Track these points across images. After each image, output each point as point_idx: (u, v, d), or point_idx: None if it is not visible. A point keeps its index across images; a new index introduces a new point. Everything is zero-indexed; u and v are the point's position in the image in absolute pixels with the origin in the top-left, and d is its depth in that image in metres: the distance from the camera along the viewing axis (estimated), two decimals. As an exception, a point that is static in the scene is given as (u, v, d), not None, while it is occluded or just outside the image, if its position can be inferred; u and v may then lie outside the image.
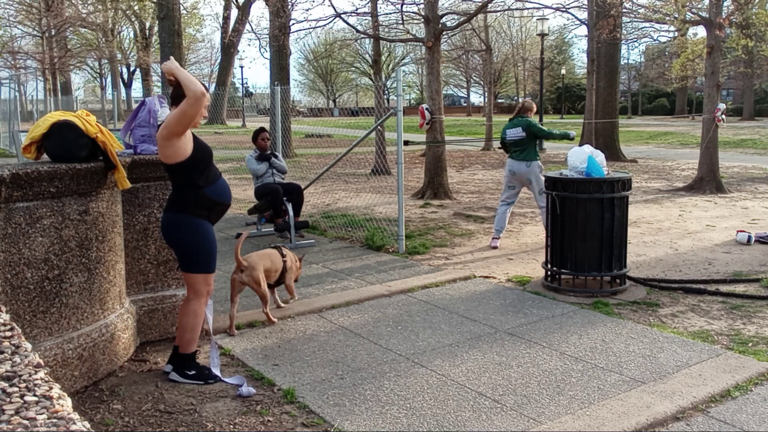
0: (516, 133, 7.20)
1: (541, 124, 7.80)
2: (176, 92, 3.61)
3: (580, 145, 7.37)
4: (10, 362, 1.14)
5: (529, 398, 3.50)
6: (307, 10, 30.86)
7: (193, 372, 3.77)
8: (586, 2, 16.42)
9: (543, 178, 7.14)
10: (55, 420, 0.95)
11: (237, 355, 4.16)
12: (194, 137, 3.69)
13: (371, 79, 33.42)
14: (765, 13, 15.17)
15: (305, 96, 68.75)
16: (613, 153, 17.07)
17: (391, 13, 14.67)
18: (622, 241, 5.43)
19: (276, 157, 7.97)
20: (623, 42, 25.45)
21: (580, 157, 5.44)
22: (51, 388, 1.04)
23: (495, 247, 7.26)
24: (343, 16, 11.75)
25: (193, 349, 3.82)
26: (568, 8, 14.35)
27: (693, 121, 39.17)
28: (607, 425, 3.20)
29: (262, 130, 8.00)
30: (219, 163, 15.96)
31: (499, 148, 7.86)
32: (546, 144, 22.68)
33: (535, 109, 7.55)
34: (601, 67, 18.11)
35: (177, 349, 3.83)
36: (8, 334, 1.28)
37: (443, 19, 10.98)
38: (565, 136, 7.48)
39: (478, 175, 14.90)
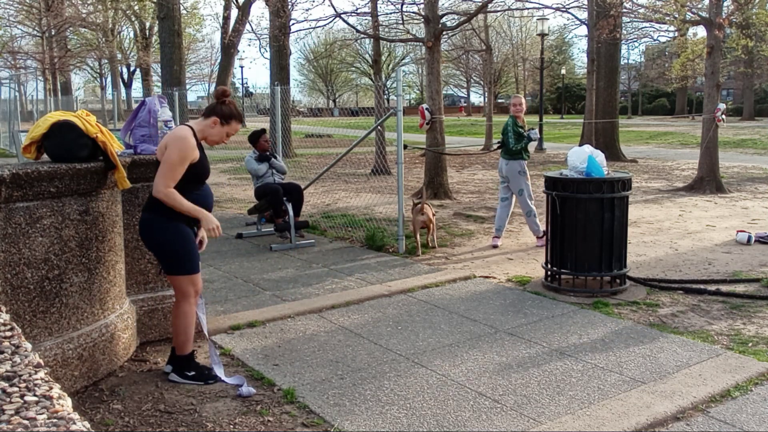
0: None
1: (541, 124, 7.65)
2: (213, 107, 3.69)
3: (580, 145, 7.35)
4: (10, 362, 1.14)
5: (529, 398, 3.50)
6: (307, 10, 30.96)
7: (193, 373, 3.77)
8: (586, 2, 16.44)
9: (524, 181, 7.14)
10: (55, 420, 0.95)
11: (237, 355, 4.16)
12: (202, 158, 3.67)
13: (371, 79, 33.42)
14: (765, 13, 15.18)
15: (305, 96, 68.76)
16: (613, 153, 17.08)
17: (391, 13, 14.68)
18: (622, 241, 5.43)
19: (275, 157, 7.97)
20: (623, 42, 25.44)
21: (580, 157, 5.44)
22: (51, 388, 1.04)
23: (495, 246, 7.28)
24: (343, 16, 11.75)
25: (188, 351, 3.81)
26: (568, 8, 14.37)
27: (693, 121, 39.17)
28: (607, 425, 3.20)
29: (263, 132, 8.01)
30: (219, 163, 15.90)
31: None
32: (546, 144, 22.67)
33: (517, 104, 7.24)
34: (601, 67, 18.11)
35: (175, 350, 3.83)
36: (8, 334, 1.28)
37: (443, 19, 10.98)
38: (527, 141, 7.09)
39: (478, 175, 14.90)
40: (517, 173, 7.13)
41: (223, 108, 3.67)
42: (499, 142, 7.38)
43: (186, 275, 3.67)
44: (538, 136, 7.39)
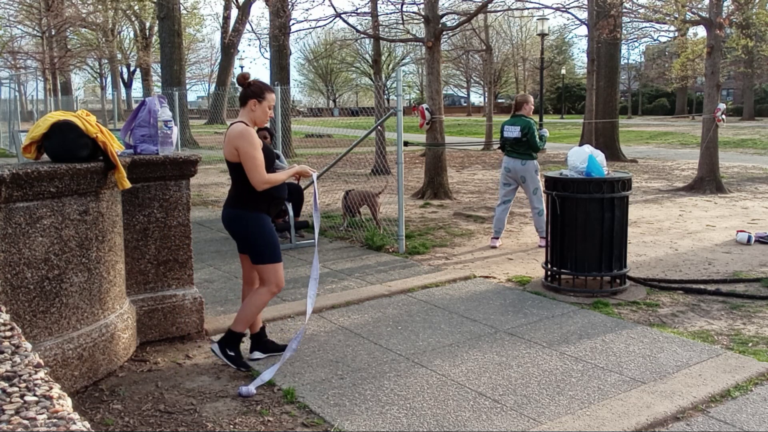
0: (514, 132, 7.15)
1: (541, 125, 7.68)
2: (244, 93, 3.89)
3: (580, 145, 7.34)
4: (10, 362, 1.14)
5: (529, 398, 3.50)
6: (307, 10, 30.93)
7: (233, 354, 3.95)
8: (586, 2, 16.43)
9: (538, 179, 7.13)
10: (55, 420, 0.95)
11: (237, 355, 4.16)
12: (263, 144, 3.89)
13: (371, 79, 33.40)
14: (765, 13, 15.17)
15: (305, 96, 68.75)
16: (613, 153, 17.07)
17: (391, 13, 14.66)
18: (622, 241, 5.43)
19: (279, 158, 7.87)
20: (623, 42, 25.44)
21: (580, 157, 5.44)
22: (51, 388, 1.04)
23: (494, 248, 7.27)
24: (343, 16, 11.75)
25: (242, 330, 3.97)
26: (568, 8, 14.38)
27: (693, 121, 39.16)
28: (607, 425, 3.20)
29: (264, 128, 7.93)
30: (219, 162, 15.76)
31: (498, 148, 7.74)
32: (546, 144, 22.59)
33: (531, 103, 7.38)
34: (601, 67, 18.10)
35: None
36: (8, 334, 1.28)
37: (443, 19, 10.98)
38: (545, 140, 7.36)
39: (478, 175, 14.90)
40: (534, 172, 7.15)
41: (253, 89, 3.88)
42: (501, 144, 7.36)
43: (270, 264, 3.87)
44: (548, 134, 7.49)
